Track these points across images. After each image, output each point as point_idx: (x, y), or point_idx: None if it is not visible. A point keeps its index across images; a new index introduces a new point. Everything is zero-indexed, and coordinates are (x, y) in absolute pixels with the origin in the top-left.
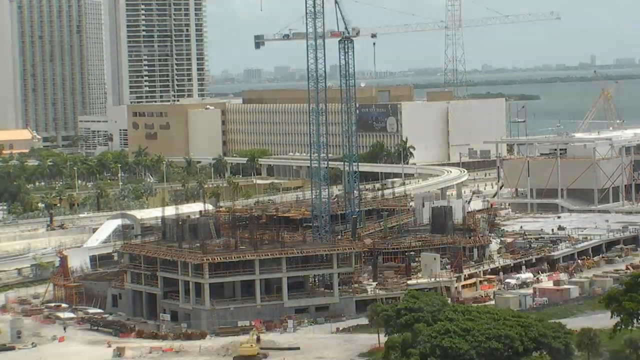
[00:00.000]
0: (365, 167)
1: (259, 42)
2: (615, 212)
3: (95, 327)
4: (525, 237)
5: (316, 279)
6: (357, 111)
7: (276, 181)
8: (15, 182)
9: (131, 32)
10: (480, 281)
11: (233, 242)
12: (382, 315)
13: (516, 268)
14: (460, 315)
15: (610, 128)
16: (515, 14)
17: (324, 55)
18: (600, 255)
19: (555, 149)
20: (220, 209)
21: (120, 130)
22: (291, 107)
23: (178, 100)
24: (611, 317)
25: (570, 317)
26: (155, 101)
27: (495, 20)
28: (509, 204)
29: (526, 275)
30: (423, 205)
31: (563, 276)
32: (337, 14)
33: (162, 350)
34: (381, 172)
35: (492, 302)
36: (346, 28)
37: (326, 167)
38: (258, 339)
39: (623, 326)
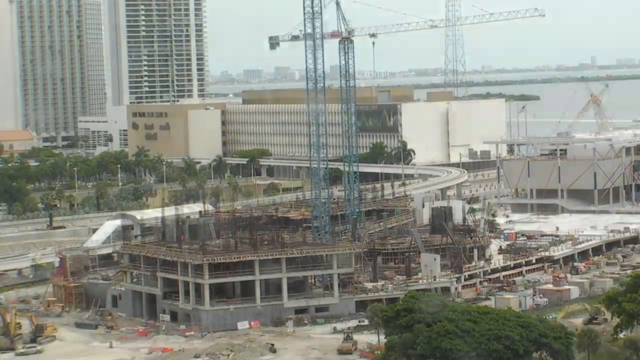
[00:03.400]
0: (365, 168)
1: (273, 42)
2: (616, 213)
3: None
4: (530, 237)
5: (315, 280)
6: (357, 111)
7: (276, 181)
8: (14, 183)
9: (131, 32)
10: (480, 282)
11: (233, 242)
12: (381, 316)
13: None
14: (460, 315)
15: (611, 129)
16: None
17: (323, 56)
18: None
19: (555, 150)
20: (220, 210)
21: (120, 130)
22: (291, 107)
23: (178, 101)
24: (611, 318)
25: (570, 317)
26: (155, 101)
27: (484, 18)
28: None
29: None
30: (423, 206)
31: None
32: (338, 14)
33: (162, 351)
34: (381, 173)
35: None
36: (345, 29)
37: (326, 168)
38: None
39: (623, 327)
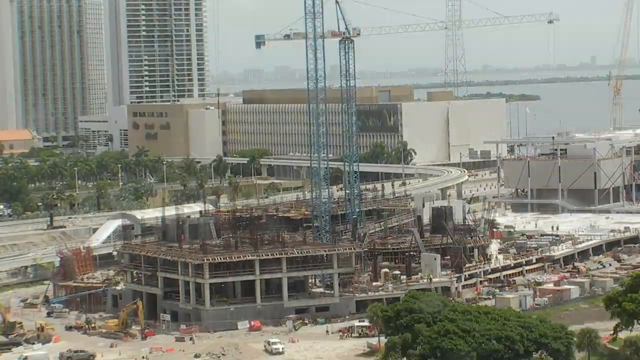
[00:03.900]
0: (366, 168)
1: (259, 42)
2: (617, 212)
3: None
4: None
5: (315, 279)
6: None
7: (276, 181)
8: (14, 183)
9: (131, 32)
10: (481, 281)
11: (233, 242)
12: (382, 316)
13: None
14: (460, 315)
15: (611, 128)
16: (514, 15)
17: (324, 55)
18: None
19: (556, 149)
20: (220, 210)
21: (121, 130)
22: (291, 107)
23: (178, 101)
24: (611, 318)
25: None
26: (156, 101)
27: (495, 21)
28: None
29: None
30: (423, 206)
31: None
32: (337, 13)
33: (163, 351)
34: (381, 172)
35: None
36: (347, 28)
37: (326, 168)
38: None
39: (623, 327)
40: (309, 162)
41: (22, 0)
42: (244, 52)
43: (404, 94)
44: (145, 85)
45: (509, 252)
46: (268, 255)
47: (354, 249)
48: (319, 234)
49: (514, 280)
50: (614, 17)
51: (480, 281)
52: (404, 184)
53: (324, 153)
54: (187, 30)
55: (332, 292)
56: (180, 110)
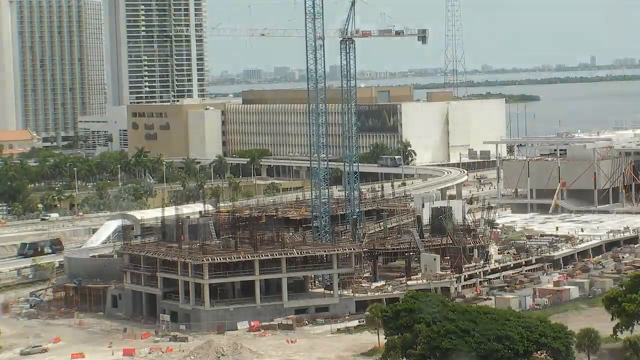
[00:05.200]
0: (365, 168)
1: None
2: (617, 213)
3: None
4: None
5: (315, 279)
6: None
7: (276, 182)
8: (14, 183)
9: (131, 32)
10: (480, 282)
11: (233, 242)
12: (381, 317)
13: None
14: (460, 315)
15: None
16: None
17: (324, 56)
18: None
19: (555, 150)
20: (220, 210)
21: (120, 130)
22: (291, 107)
23: (178, 101)
24: (612, 319)
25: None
26: (155, 101)
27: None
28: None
29: None
30: (423, 206)
31: None
32: (350, 13)
33: (162, 352)
34: (381, 173)
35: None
36: (354, 28)
37: (326, 168)
38: None
39: (623, 328)
40: (309, 162)
41: (22, 0)
42: (244, 52)
43: (404, 94)
44: (145, 86)
45: (508, 252)
46: (268, 255)
47: (354, 249)
48: (319, 234)
49: (517, 280)
50: (615, 17)
51: (480, 281)
52: (403, 184)
53: (323, 153)
54: (187, 30)
55: (332, 292)
56: (180, 111)
